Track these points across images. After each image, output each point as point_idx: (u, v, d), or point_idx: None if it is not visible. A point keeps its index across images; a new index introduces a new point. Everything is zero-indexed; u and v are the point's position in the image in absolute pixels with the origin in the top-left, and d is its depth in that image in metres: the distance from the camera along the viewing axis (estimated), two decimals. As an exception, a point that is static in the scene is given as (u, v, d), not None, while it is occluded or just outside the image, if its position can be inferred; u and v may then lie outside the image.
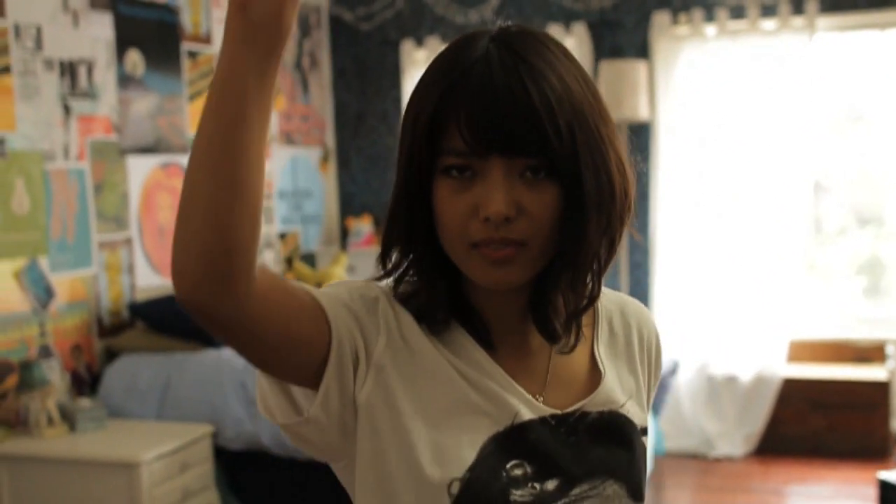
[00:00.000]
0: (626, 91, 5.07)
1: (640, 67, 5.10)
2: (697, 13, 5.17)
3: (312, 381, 1.06)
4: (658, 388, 4.43)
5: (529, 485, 1.10)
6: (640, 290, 5.44)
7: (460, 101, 1.04)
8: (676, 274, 5.30)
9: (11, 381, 3.67)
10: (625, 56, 5.35)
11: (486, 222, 1.04)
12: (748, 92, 5.13)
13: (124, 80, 4.28)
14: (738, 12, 5.16)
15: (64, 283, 3.93)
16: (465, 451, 1.08)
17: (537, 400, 1.14)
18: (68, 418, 3.67)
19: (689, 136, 5.25)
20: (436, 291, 1.12)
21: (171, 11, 4.59)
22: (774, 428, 5.16)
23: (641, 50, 5.34)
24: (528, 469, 1.10)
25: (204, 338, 4.06)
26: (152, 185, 4.44)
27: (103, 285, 4.14)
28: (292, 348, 1.03)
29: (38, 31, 3.84)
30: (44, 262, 3.83)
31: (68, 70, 3.99)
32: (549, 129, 1.03)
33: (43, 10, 3.86)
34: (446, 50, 1.10)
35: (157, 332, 4.10)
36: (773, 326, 5.14)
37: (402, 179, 1.10)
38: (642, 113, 5.11)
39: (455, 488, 1.07)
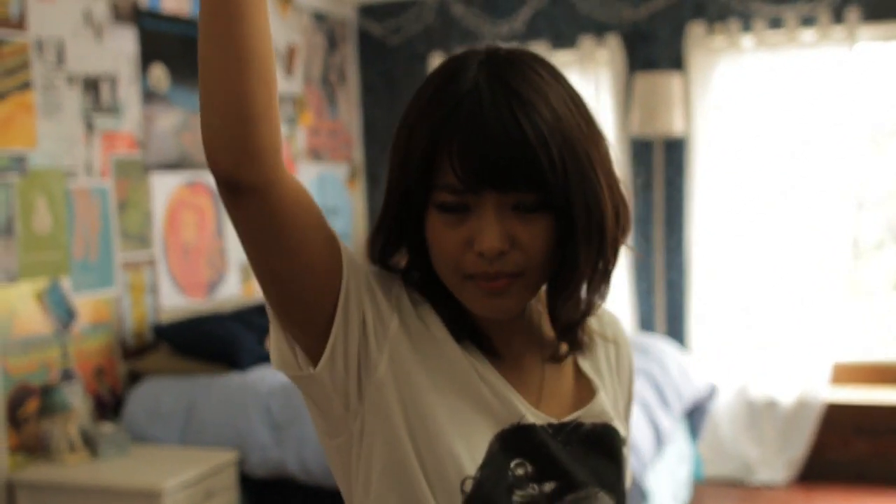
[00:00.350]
0: (660, 104, 4.95)
1: (674, 80, 4.97)
2: (734, 24, 5.03)
3: (318, 334, 1.06)
4: (696, 412, 4.28)
5: (530, 485, 1.11)
6: (675, 310, 5.29)
7: (452, 139, 1.04)
8: (714, 293, 5.14)
9: (32, 405, 3.56)
10: (659, 68, 5.21)
11: (481, 256, 1.06)
12: (786, 105, 4.97)
13: (148, 96, 4.19)
14: (775, 23, 5.01)
15: (86, 304, 3.82)
16: (478, 448, 1.09)
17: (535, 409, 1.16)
18: (90, 444, 3.57)
19: (725, 151, 5.10)
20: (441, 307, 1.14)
21: (196, 25, 4.48)
22: (818, 454, 4.98)
23: (676, 62, 5.20)
24: (529, 469, 1.12)
25: (229, 360, 3.94)
26: (177, 203, 4.34)
27: (127, 306, 4.03)
28: (305, 266, 1.03)
29: (61, 45, 3.75)
30: (66, 283, 3.73)
31: (91, 85, 3.89)
32: (542, 163, 1.03)
33: (65, 25, 3.77)
34: (435, 78, 1.10)
35: (182, 355, 3.98)
36: (815, 348, 4.97)
37: (394, 211, 1.11)
38: (677, 127, 4.98)
39: (468, 486, 1.08)
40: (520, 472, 1.11)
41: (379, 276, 1.12)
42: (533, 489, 1.11)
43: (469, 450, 1.08)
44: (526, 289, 1.09)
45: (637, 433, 3.67)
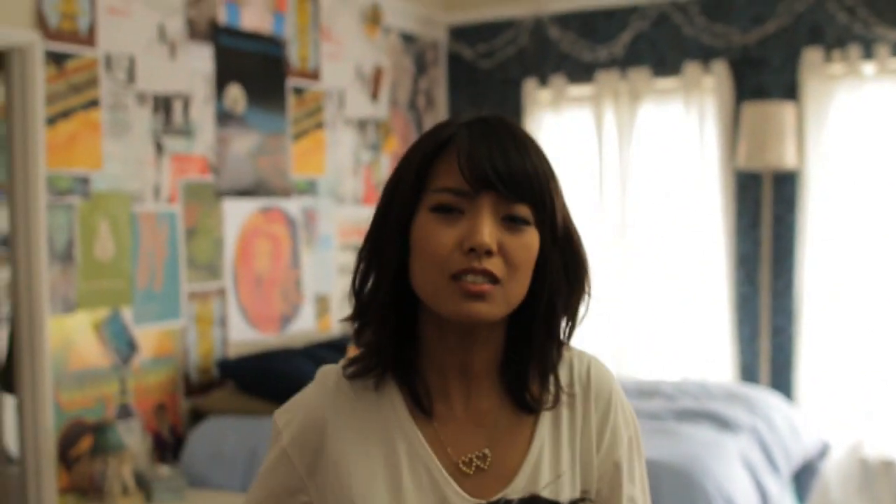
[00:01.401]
0: (771, 136, 4.59)
1: (787, 110, 4.60)
2: (854, 50, 4.63)
3: None
4: (805, 472, 3.83)
5: None
6: (782, 358, 4.88)
7: (459, 146, 1.16)
8: (825, 340, 4.72)
9: (86, 443, 3.34)
10: (770, 97, 4.83)
11: (470, 253, 1.14)
12: (911, 138, 4.56)
13: (223, 117, 3.97)
14: (901, 49, 4.61)
15: (149, 336, 3.60)
16: None
17: (467, 468, 1.21)
18: (145, 487, 3.33)
19: (842, 188, 4.69)
20: (385, 332, 1.21)
21: (277, 44, 4.27)
22: (941, 523, 4.52)
23: (789, 91, 4.81)
24: None
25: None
26: (250, 230, 4.11)
27: (192, 339, 3.80)
28: None
29: (131, 62, 3.56)
30: (127, 313, 3.51)
31: (162, 105, 3.69)
32: (538, 179, 1.17)
33: (137, 40, 3.58)
34: (426, 134, 1.22)
35: (248, 393, 3.73)
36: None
37: (389, 225, 1.20)
38: (789, 160, 4.60)
39: None
40: None
41: (301, 451, 1.27)
42: None
43: None
44: (504, 298, 1.16)
45: (742, 499, 3.29)
